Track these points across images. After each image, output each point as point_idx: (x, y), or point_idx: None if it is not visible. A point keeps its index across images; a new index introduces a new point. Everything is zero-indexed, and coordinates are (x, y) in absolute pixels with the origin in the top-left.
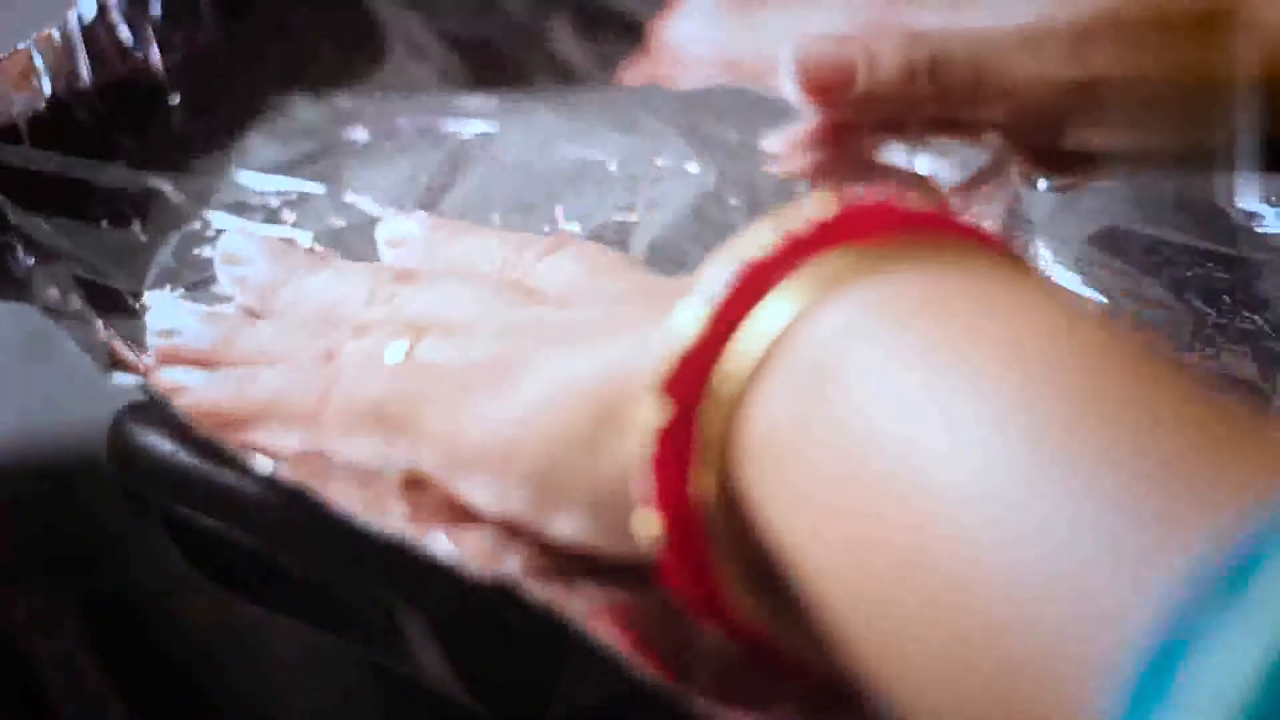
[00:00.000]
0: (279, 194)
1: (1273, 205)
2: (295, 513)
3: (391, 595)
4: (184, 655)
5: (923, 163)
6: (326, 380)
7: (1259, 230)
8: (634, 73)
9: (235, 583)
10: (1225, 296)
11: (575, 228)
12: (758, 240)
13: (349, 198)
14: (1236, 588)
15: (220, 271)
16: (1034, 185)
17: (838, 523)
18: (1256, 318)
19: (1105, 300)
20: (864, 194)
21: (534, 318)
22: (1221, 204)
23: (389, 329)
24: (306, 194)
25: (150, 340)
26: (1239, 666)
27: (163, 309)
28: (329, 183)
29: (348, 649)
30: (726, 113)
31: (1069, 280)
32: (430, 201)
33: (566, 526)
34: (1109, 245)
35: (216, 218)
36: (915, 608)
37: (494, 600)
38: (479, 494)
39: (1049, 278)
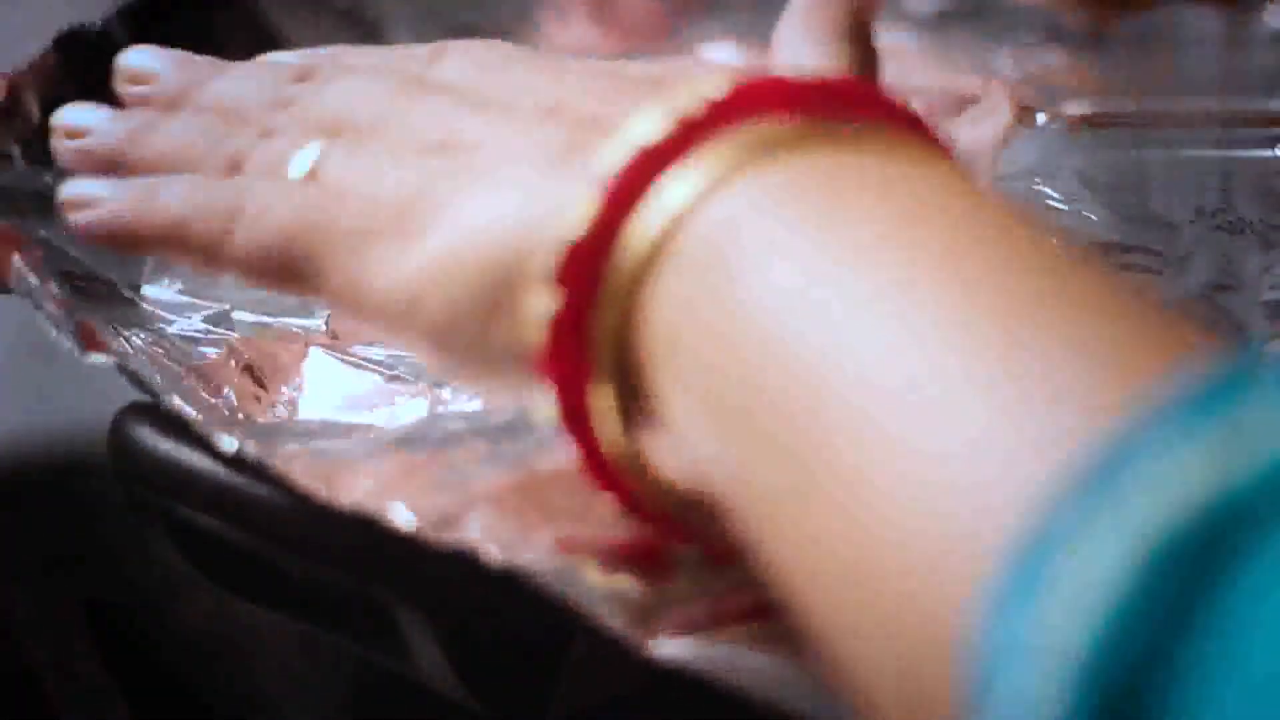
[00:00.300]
0: None
1: None
2: (295, 513)
3: (391, 595)
4: (184, 655)
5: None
6: (232, 197)
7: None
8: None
9: (235, 583)
10: (1212, 220)
11: None
12: (650, 124)
13: None
14: (1109, 482)
15: (122, 91)
16: (1031, 123)
17: (729, 412)
18: (1240, 238)
19: (1095, 218)
20: (760, 70)
21: (442, 130)
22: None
23: (295, 131)
24: None
25: (58, 145)
26: (1107, 561)
27: (72, 110)
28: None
29: (348, 649)
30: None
31: (1063, 216)
32: None
33: (461, 379)
34: (1104, 182)
35: None
36: (803, 496)
37: (494, 600)
38: (381, 336)
39: (961, 158)
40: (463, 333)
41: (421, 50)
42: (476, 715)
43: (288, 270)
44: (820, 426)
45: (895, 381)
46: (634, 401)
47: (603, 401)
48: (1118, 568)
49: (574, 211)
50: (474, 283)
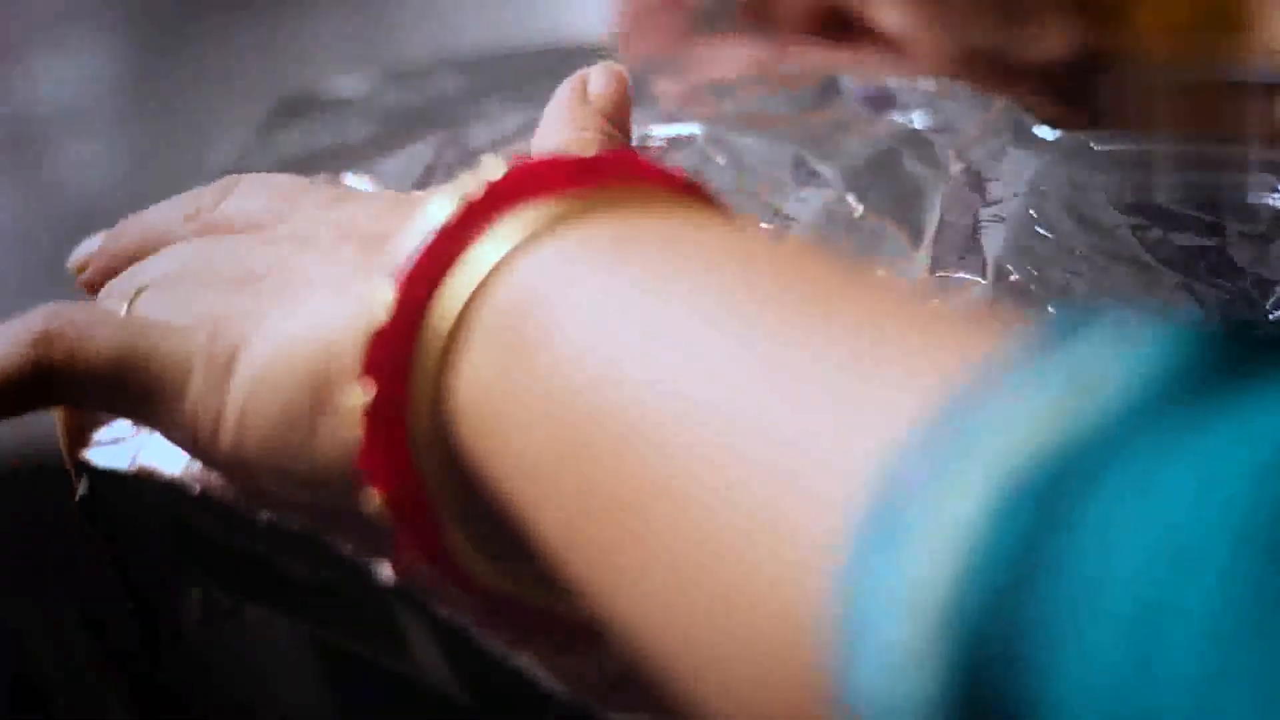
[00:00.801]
0: None
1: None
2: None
3: (392, 595)
4: (183, 655)
5: (922, 118)
6: (52, 323)
7: (1250, 201)
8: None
9: (235, 583)
10: (1201, 262)
11: None
12: (440, 209)
13: (349, 180)
14: (957, 429)
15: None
16: (1030, 141)
17: (549, 463)
18: (1229, 284)
19: (1073, 252)
20: (544, 154)
21: (242, 267)
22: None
23: (106, 296)
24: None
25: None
26: (962, 504)
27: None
28: (330, 171)
29: (347, 649)
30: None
31: (1043, 242)
32: (427, 184)
33: (301, 497)
34: (1094, 206)
35: None
36: (637, 534)
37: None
38: (220, 474)
39: (733, 212)
40: (293, 438)
41: (209, 190)
42: (476, 715)
43: (122, 407)
44: (634, 448)
45: (706, 393)
46: (456, 472)
47: (428, 485)
48: (974, 509)
49: (376, 302)
50: (294, 387)
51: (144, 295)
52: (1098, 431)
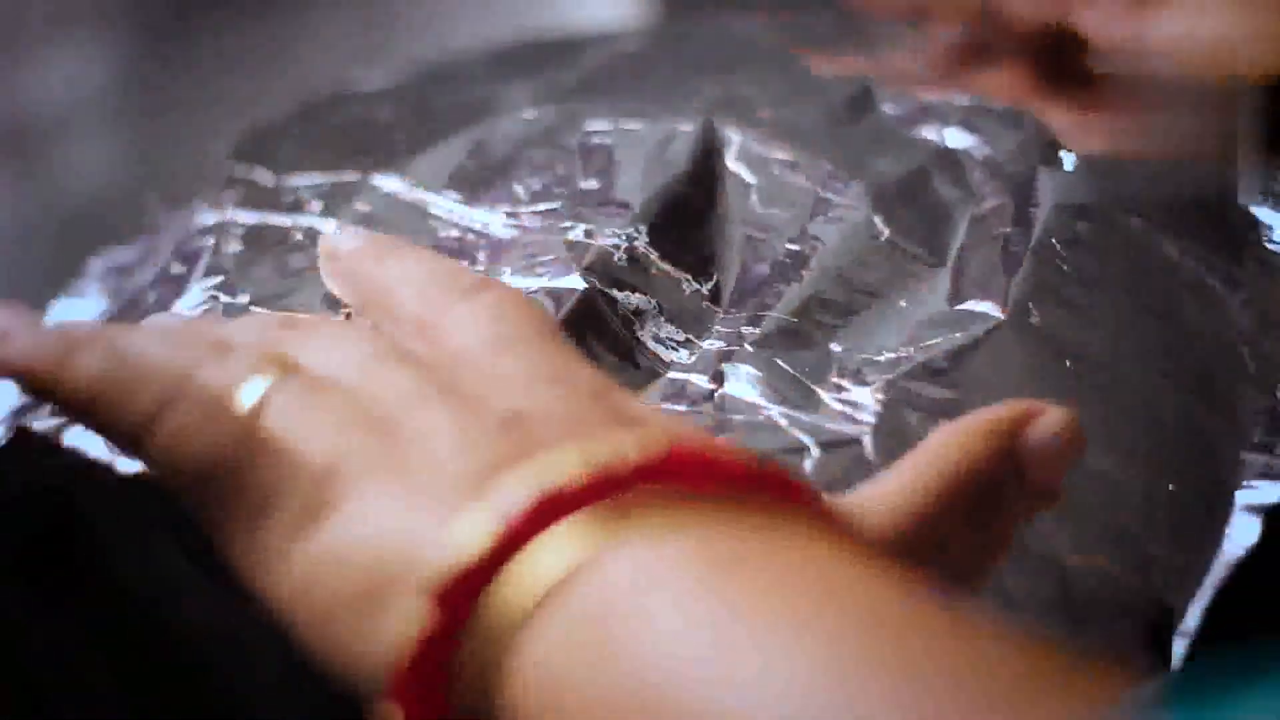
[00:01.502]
0: (310, 187)
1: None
2: None
3: None
4: (184, 655)
5: (954, 136)
6: (157, 391)
7: (1269, 246)
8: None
9: (235, 583)
10: (1220, 314)
11: (593, 184)
12: (565, 465)
13: (377, 181)
14: None
15: None
16: (1059, 165)
17: None
18: (1243, 334)
19: (1086, 295)
20: (683, 439)
21: (392, 407)
22: (1231, 207)
23: (251, 357)
24: (337, 182)
25: None
26: None
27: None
28: (360, 169)
29: None
30: (759, 94)
31: (1065, 279)
32: (458, 183)
33: (340, 665)
34: (1119, 241)
35: (239, 214)
36: None
37: None
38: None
39: (854, 538)
40: (344, 621)
41: (464, 278)
42: None
43: (191, 497)
44: None
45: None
46: None
47: None
48: None
49: (469, 540)
50: (359, 579)
51: (285, 387)
52: None
